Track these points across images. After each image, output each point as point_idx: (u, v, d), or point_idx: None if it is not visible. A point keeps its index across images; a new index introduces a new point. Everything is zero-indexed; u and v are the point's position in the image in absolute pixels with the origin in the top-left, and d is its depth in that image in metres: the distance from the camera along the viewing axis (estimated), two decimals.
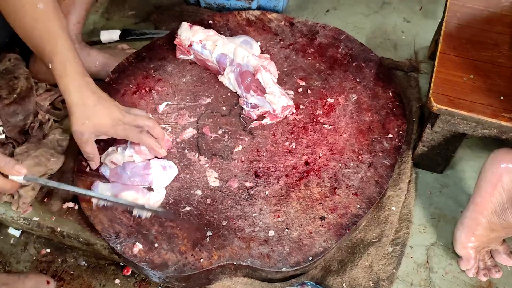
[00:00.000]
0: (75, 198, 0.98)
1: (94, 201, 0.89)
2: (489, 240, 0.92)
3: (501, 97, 0.86)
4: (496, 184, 0.87)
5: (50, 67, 0.85)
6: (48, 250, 1.03)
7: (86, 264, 1.03)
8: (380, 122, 1.05)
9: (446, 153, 1.02)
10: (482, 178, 0.89)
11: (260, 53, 1.14)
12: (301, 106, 1.07)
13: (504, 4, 1.01)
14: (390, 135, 1.02)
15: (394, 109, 1.06)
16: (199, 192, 0.95)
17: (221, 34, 1.16)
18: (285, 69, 1.14)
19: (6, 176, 0.75)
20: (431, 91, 0.88)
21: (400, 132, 1.03)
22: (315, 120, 1.05)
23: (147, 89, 1.10)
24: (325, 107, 1.07)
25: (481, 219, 0.89)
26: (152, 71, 1.14)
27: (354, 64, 1.15)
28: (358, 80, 1.12)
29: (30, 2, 0.84)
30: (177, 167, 0.97)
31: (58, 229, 0.98)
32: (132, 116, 0.90)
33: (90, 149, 0.89)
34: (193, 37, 1.11)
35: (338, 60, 1.16)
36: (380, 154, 1.00)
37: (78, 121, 0.85)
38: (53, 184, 0.81)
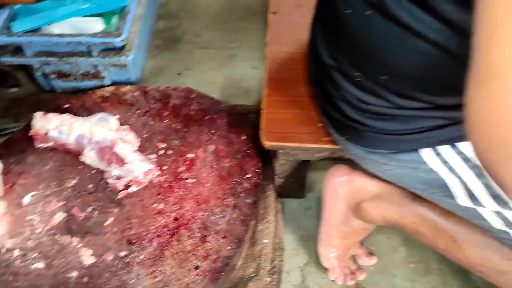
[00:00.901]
0: None
1: None
2: (347, 247, 1.03)
3: (318, 125, 0.99)
4: (335, 197, 0.99)
5: None
6: None
7: None
8: (238, 165, 1.14)
9: (299, 179, 1.13)
10: (324, 195, 1.01)
11: (120, 125, 1.20)
12: (164, 167, 1.14)
13: None
14: (248, 175, 1.12)
15: (248, 151, 1.17)
16: (74, 273, 0.96)
17: (79, 115, 1.20)
18: (145, 136, 1.21)
19: None
20: (262, 131, 1.00)
21: (257, 170, 1.13)
22: (178, 177, 1.12)
23: (9, 185, 1.11)
24: (186, 162, 1.15)
25: (332, 231, 1.00)
26: (14, 165, 1.15)
27: (207, 117, 1.25)
28: (212, 131, 1.21)
29: None
30: (51, 253, 0.99)
31: None
32: None
33: None
34: (48, 125, 1.15)
35: (192, 117, 1.25)
36: (242, 195, 1.09)
37: None
38: None
